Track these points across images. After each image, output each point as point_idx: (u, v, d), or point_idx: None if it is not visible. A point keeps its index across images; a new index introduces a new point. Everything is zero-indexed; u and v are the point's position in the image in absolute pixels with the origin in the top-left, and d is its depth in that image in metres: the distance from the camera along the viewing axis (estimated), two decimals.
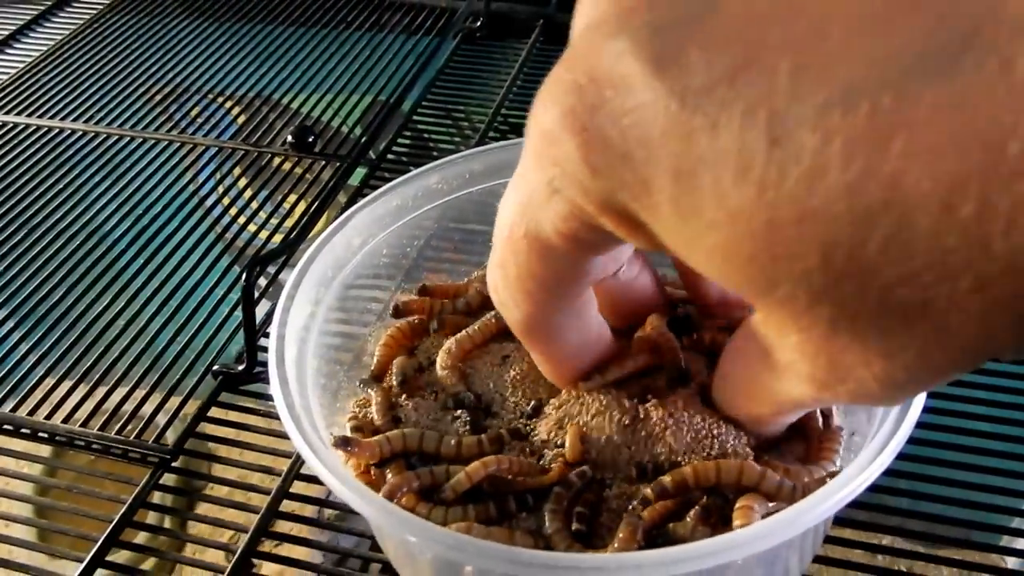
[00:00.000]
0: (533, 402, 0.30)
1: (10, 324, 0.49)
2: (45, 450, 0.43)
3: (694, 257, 0.18)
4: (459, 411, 0.30)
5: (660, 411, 0.27)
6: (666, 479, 0.25)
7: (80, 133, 0.63)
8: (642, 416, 0.28)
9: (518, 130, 0.62)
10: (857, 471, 0.24)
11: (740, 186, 0.16)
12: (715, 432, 0.27)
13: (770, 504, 0.25)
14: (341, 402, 0.32)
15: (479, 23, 0.70)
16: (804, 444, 0.28)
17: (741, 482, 0.25)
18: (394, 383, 0.31)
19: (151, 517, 0.39)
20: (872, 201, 0.15)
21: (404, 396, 0.31)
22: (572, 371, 0.28)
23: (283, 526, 0.38)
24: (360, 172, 0.58)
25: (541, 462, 0.28)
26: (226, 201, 0.57)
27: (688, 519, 0.25)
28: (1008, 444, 0.39)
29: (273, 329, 0.30)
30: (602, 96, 0.17)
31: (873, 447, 0.24)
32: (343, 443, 0.27)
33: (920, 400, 0.25)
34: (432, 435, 0.28)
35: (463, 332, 0.32)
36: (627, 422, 0.27)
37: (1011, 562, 0.40)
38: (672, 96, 0.16)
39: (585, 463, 0.27)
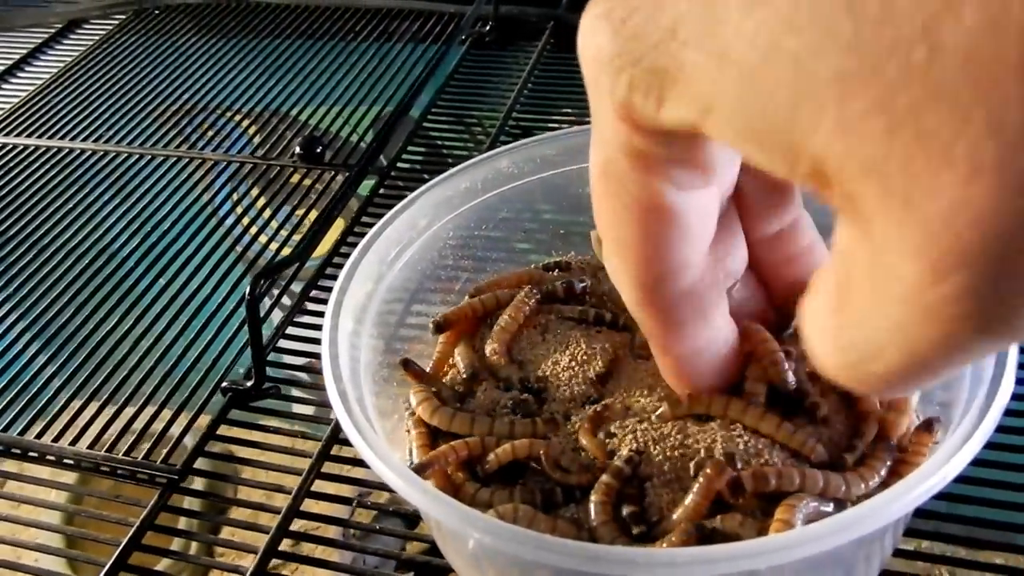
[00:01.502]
0: (592, 394, 0.29)
1: (20, 344, 0.49)
2: (52, 472, 0.42)
3: (725, 84, 0.16)
4: (511, 397, 0.30)
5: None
6: (746, 475, 0.25)
7: (91, 152, 0.63)
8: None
9: (530, 133, 0.61)
10: (935, 467, 0.22)
11: None
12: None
13: (812, 504, 0.24)
14: (398, 384, 0.32)
15: (488, 27, 0.69)
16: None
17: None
18: (462, 374, 0.31)
19: (161, 539, 0.38)
20: None
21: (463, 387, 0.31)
22: (692, 373, 0.26)
23: (301, 546, 0.37)
24: (370, 182, 0.57)
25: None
26: (238, 211, 0.57)
27: (737, 514, 0.25)
28: None
29: (330, 301, 0.30)
30: None
31: (953, 441, 0.23)
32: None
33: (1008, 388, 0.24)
34: (483, 419, 0.29)
35: (503, 316, 0.32)
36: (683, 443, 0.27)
37: None
38: None
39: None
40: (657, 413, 0.27)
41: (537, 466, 0.28)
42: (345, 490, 0.40)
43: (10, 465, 0.45)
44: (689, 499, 0.25)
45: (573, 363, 0.30)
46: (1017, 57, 0.12)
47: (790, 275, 0.28)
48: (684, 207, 0.22)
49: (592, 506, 0.26)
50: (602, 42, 0.19)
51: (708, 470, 0.25)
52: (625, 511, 0.25)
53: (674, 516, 0.25)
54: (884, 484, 0.25)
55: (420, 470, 0.27)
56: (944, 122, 0.12)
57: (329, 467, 0.39)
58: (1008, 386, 0.24)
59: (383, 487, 0.44)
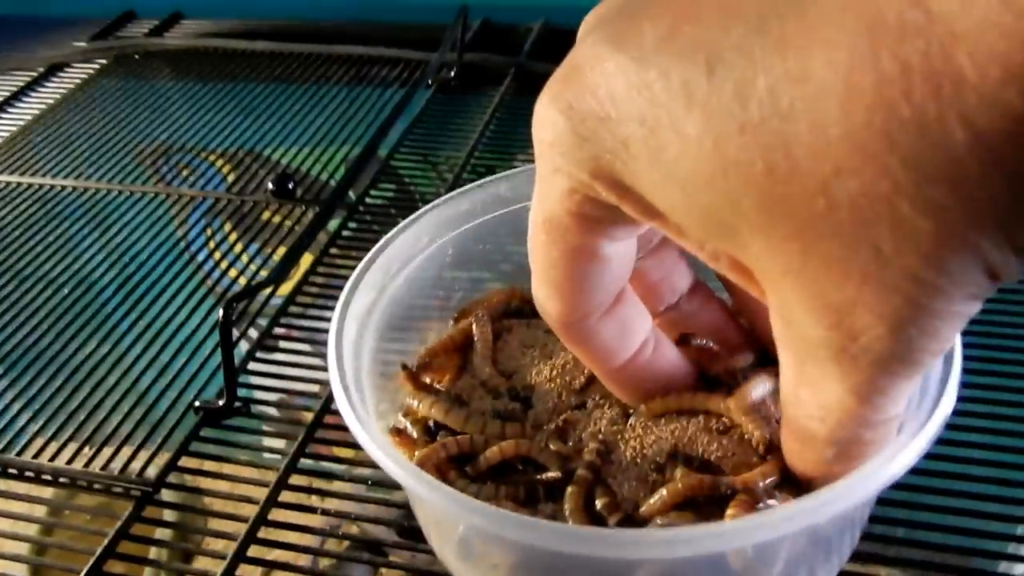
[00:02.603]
0: (574, 402, 0.32)
1: (0, 368, 0.51)
2: (31, 488, 0.44)
3: (672, 200, 0.20)
4: (501, 405, 0.32)
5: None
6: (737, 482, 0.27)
7: (72, 189, 0.66)
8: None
9: (492, 170, 0.65)
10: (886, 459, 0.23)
11: (690, 113, 0.19)
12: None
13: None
14: (395, 391, 0.34)
15: (453, 73, 0.73)
16: None
17: None
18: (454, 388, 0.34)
19: (137, 550, 0.40)
20: (792, 99, 0.17)
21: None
22: (625, 381, 0.30)
23: (270, 551, 0.39)
24: (338, 220, 0.61)
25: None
26: (211, 246, 0.59)
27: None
28: (1002, 471, 0.38)
29: (338, 306, 0.32)
30: (583, 77, 0.21)
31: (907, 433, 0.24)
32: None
33: (952, 392, 0.26)
34: (477, 417, 0.31)
35: (476, 341, 0.34)
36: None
37: None
38: (631, 61, 0.20)
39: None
40: (636, 411, 0.30)
41: (521, 467, 0.30)
42: (313, 500, 0.43)
43: None
44: (656, 498, 0.27)
45: (556, 373, 0.33)
46: (887, 210, 0.17)
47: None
48: (614, 254, 0.25)
49: (566, 497, 0.28)
50: (560, 134, 0.21)
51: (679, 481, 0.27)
52: (599, 502, 0.28)
53: (642, 509, 0.27)
54: None
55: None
56: (842, 248, 0.18)
57: (296, 479, 0.42)
58: (951, 394, 0.26)
59: (351, 517, 0.46)
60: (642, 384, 0.30)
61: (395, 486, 0.41)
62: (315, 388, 0.47)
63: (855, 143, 0.17)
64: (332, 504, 0.43)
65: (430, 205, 0.37)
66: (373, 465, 0.43)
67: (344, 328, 0.31)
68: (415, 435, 0.32)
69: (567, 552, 0.23)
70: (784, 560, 0.26)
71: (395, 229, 0.36)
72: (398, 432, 0.32)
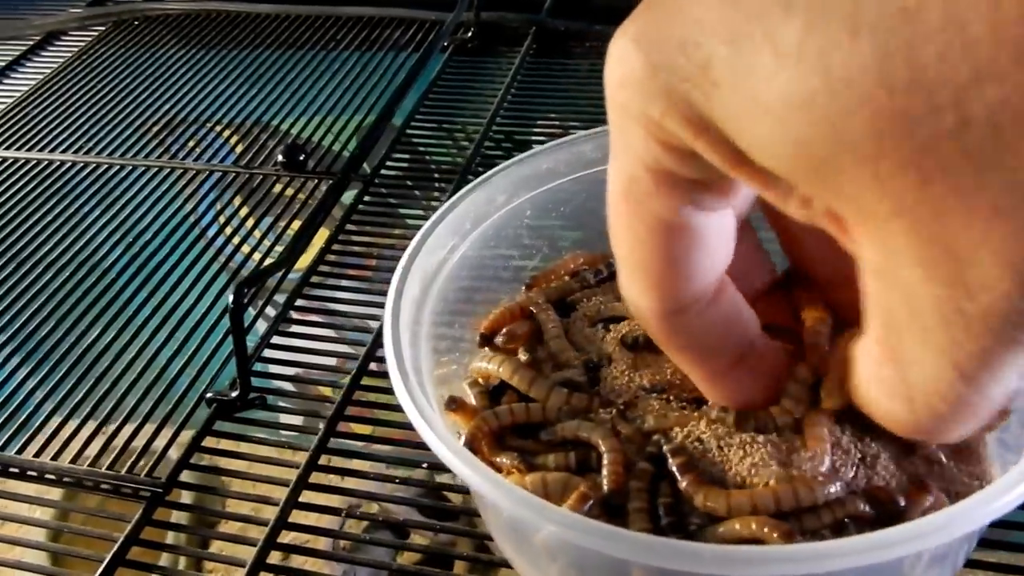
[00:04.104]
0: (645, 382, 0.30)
1: (1, 356, 0.48)
2: (35, 488, 0.41)
3: (759, 133, 0.17)
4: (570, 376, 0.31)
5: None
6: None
7: (71, 164, 0.62)
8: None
9: (513, 139, 0.61)
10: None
11: (789, 21, 0.16)
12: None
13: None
14: (460, 352, 0.33)
15: (470, 33, 0.69)
16: None
17: None
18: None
19: (147, 554, 0.37)
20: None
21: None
22: (730, 387, 0.26)
23: (291, 558, 0.36)
24: (353, 191, 0.57)
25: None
26: (221, 221, 0.56)
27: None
28: None
29: (398, 266, 0.30)
30: (657, 5, 0.19)
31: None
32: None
33: None
34: (544, 381, 0.30)
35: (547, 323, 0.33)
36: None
37: None
38: None
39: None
40: (716, 417, 0.28)
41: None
42: (335, 500, 0.40)
43: None
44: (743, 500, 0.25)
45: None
46: None
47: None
48: (706, 228, 0.22)
49: (631, 494, 0.26)
50: (635, 67, 0.19)
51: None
52: (661, 502, 0.26)
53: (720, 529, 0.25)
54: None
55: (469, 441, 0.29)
56: (970, 176, 0.15)
57: (317, 477, 0.39)
58: None
59: (373, 497, 0.44)
60: (750, 397, 0.27)
61: (415, 464, 0.39)
62: (336, 375, 0.44)
63: (1003, 41, 0.14)
64: (351, 484, 0.40)
65: (505, 163, 0.34)
66: (392, 442, 0.41)
67: (403, 297, 0.30)
68: (476, 403, 0.31)
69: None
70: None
71: (466, 188, 0.33)
72: (454, 403, 0.31)
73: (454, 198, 0.34)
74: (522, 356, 0.32)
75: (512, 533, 0.29)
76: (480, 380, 0.33)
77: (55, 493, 0.48)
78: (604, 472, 0.27)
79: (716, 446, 0.27)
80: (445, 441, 0.25)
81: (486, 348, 0.33)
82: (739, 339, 0.25)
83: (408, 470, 0.40)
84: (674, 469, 0.27)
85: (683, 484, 0.26)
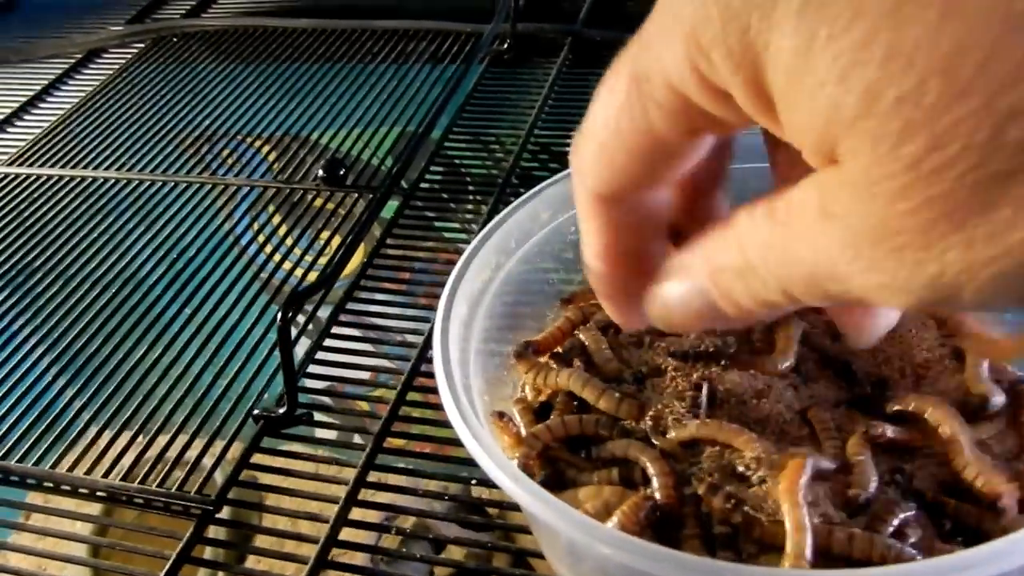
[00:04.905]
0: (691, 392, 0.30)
1: (49, 376, 0.49)
2: (88, 506, 0.42)
3: (807, 87, 0.16)
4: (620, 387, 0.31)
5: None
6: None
7: (113, 181, 0.63)
8: None
9: (551, 151, 0.61)
10: None
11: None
12: None
13: None
14: (508, 370, 0.33)
15: (506, 45, 0.69)
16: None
17: None
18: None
19: (193, 571, 0.37)
20: None
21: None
22: (626, 295, 0.24)
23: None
24: (393, 204, 0.57)
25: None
26: (260, 239, 0.57)
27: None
28: None
29: (446, 287, 0.30)
30: None
31: None
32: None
33: None
34: (596, 383, 0.30)
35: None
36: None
37: None
38: None
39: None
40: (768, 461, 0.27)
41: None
42: (381, 517, 0.40)
43: (38, 498, 0.44)
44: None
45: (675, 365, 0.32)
46: None
47: None
48: (687, 149, 0.21)
49: (686, 519, 0.27)
50: None
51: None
52: (718, 531, 0.26)
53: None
54: None
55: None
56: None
57: (364, 494, 0.39)
58: None
59: (410, 511, 0.44)
60: (636, 303, 0.24)
61: (465, 481, 0.39)
62: (380, 390, 0.44)
63: None
64: (400, 500, 0.40)
65: (550, 180, 0.34)
66: (439, 457, 0.41)
67: (451, 318, 0.30)
68: (520, 420, 0.31)
69: None
70: None
71: (512, 205, 0.33)
72: (500, 417, 0.31)
73: (498, 217, 0.34)
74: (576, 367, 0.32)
75: (569, 556, 0.29)
76: (528, 396, 0.33)
77: (92, 507, 0.49)
78: (655, 485, 0.27)
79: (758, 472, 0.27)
80: (503, 467, 0.25)
81: (538, 360, 0.33)
82: (652, 243, 0.24)
83: (444, 484, 0.40)
84: (723, 502, 0.26)
85: (736, 517, 0.26)
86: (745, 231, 0.19)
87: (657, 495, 0.27)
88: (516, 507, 0.38)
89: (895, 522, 0.26)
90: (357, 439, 0.47)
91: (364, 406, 0.45)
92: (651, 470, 0.28)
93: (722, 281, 0.20)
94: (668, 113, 0.19)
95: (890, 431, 0.29)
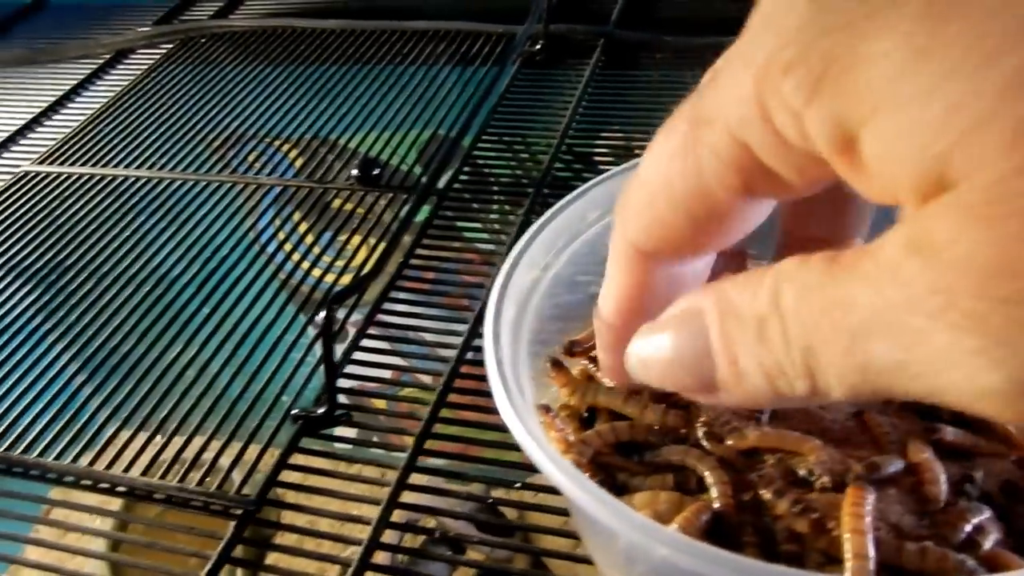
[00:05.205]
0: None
1: (82, 376, 0.48)
2: (97, 499, 0.41)
3: (916, 93, 0.13)
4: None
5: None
6: None
7: (143, 180, 0.63)
8: None
9: (584, 159, 0.60)
10: None
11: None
12: None
13: None
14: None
15: (539, 46, 0.69)
16: None
17: None
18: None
19: (236, 572, 0.37)
20: None
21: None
22: (620, 345, 0.22)
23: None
24: (424, 209, 0.57)
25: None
26: (295, 237, 0.56)
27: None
28: None
29: (494, 288, 0.30)
30: None
31: None
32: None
33: None
34: (637, 399, 0.30)
35: None
36: None
37: None
38: None
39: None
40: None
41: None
42: (414, 519, 0.39)
43: (70, 495, 0.44)
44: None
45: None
46: None
47: None
48: (742, 215, 0.19)
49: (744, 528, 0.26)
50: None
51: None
52: (783, 550, 0.25)
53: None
54: None
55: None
56: None
57: (405, 496, 0.38)
58: None
59: (432, 511, 0.43)
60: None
61: (508, 484, 0.38)
62: (414, 391, 0.43)
63: None
64: (440, 503, 0.40)
65: (597, 178, 0.33)
66: (481, 460, 0.41)
67: (502, 311, 0.29)
68: (565, 426, 0.30)
69: None
70: None
71: (557, 205, 0.33)
72: (547, 411, 0.30)
73: (546, 215, 0.33)
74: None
75: (627, 561, 0.28)
76: (572, 402, 0.32)
77: (115, 503, 0.48)
78: (715, 493, 0.27)
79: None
80: (567, 473, 0.24)
81: (574, 376, 0.32)
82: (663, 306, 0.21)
83: (464, 484, 0.40)
84: (790, 505, 0.26)
85: (803, 524, 0.25)
86: (787, 270, 0.16)
87: (716, 502, 0.27)
88: (537, 508, 0.38)
89: (967, 528, 0.25)
90: (392, 440, 0.47)
91: (401, 407, 0.45)
92: (710, 478, 0.27)
93: (729, 326, 0.17)
94: (724, 164, 0.17)
95: (950, 434, 0.28)
